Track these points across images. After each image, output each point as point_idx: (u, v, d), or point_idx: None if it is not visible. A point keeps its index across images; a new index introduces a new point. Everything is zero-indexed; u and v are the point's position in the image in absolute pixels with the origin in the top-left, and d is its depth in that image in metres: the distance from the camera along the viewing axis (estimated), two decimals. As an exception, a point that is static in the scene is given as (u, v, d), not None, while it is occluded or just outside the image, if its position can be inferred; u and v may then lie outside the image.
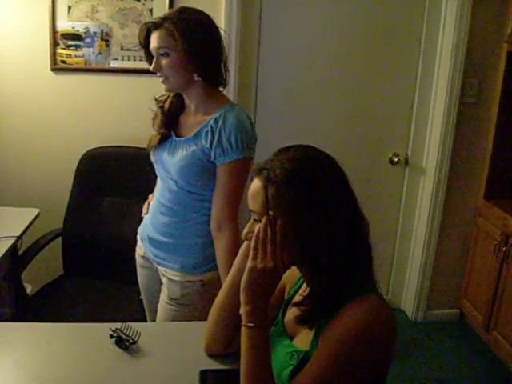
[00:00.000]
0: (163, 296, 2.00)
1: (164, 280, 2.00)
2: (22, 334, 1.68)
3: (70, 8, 2.83)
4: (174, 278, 1.95)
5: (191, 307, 1.93)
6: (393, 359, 1.23)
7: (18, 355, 1.56)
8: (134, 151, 2.80)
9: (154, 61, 1.83)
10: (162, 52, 1.80)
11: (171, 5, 2.80)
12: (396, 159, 3.31)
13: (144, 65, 2.77)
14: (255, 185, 1.23)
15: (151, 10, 2.84)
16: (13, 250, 2.44)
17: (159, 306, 2.02)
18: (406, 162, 3.37)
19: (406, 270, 3.55)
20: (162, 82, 1.86)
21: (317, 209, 1.17)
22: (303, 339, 1.28)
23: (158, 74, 1.85)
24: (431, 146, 3.24)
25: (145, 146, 2.04)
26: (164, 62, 1.80)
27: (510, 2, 2.99)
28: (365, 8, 3.09)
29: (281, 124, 3.15)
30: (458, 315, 3.56)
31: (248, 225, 1.27)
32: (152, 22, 1.81)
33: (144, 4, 2.84)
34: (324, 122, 3.22)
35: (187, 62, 1.79)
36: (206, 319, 1.52)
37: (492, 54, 3.11)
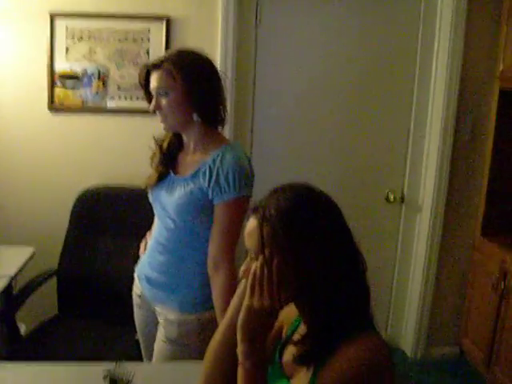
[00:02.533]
0: (160, 335, 1.97)
1: (161, 320, 1.97)
2: (14, 374, 1.67)
3: (67, 49, 2.87)
4: (171, 317, 1.92)
5: (188, 347, 1.90)
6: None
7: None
8: (130, 191, 2.82)
9: (154, 100, 1.85)
10: (161, 92, 1.82)
11: (167, 46, 2.86)
12: (392, 197, 3.32)
13: (140, 104, 2.84)
14: (251, 223, 1.23)
15: (148, 51, 2.89)
16: (7, 289, 2.42)
17: (156, 345, 1.99)
18: (402, 199, 3.38)
19: (404, 308, 3.53)
20: (161, 121, 1.88)
21: (313, 247, 1.17)
22: (301, 380, 1.25)
23: (158, 114, 1.87)
24: (427, 182, 3.25)
25: (142, 185, 2.04)
26: (163, 101, 1.82)
27: (501, 40, 3.04)
28: (359, 46, 3.15)
29: (276, 162, 3.17)
30: (458, 353, 3.52)
31: (245, 263, 1.26)
32: (152, 63, 1.84)
33: (141, 45, 2.88)
34: (320, 160, 3.25)
35: (186, 102, 1.81)
36: (202, 359, 1.50)
37: (485, 91, 3.15)
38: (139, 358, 2.23)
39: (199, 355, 1.57)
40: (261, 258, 1.18)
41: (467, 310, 3.41)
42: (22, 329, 2.90)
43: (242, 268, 1.26)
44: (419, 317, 3.41)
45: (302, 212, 1.19)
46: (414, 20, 3.15)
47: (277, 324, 1.37)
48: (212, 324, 1.79)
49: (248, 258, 1.25)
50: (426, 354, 3.49)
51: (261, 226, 1.19)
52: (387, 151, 3.31)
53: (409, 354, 3.51)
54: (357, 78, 3.19)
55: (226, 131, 2.79)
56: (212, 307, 1.86)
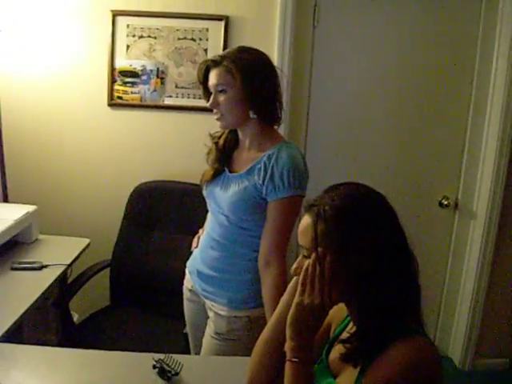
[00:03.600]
0: (209, 330, 1.99)
1: (211, 314, 2.00)
2: (66, 360, 1.72)
3: (128, 47, 2.94)
4: (221, 312, 1.95)
5: (237, 343, 1.92)
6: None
7: (62, 380, 1.59)
8: (184, 186, 2.85)
9: (212, 97, 1.87)
10: (220, 89, 1.84)
11: (225, 45, 2.88)
12: (446, 202, 3.27)
13: (197, 102, 2.90)
14: (305, 221, 1.24)
15: (206, 50, 2.92)
16: (62, 278, 2.49)
17: (204, 339, 2.02)
18: (456, 205, 3.32)
19: (454, 316, 3.46)
20: (218, 118, 1.90)
21: (366, 247, 1.17)
22: (347, 378, 1.25)
23: (215, 111, 1.89)
24: (482, 189, 3.18)
25: (195, 181, 2.08)
26: (221, 98, 1.84)
27: None
28: (417, 51, 3.10)
29: (330, 163, 3.16)
30: (507, 364, 3.43)
31: (297, 260, 1.27)
32: (212, 60, 1.86)
33: (199, 44, 2.93)
34: (374, 161, 3.22)
35: (244, 100, 1.83)
36: (250, 355, 1.52)
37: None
38: (187, 352, 2.26)
39: (247, 352, 1.58)
40: (313, 255, 1.19)
41: (519, 322, 3.33)
42: (75, 318, 2.98)
43: (294, 266, 1.27)
44: (469, 326, 3.34)
45: (357, 211, 1.20)
46: (473, 26, 3.07)
47: (325, 322, 1.37)
48: (261, 321, 1.80)
49: (300, 256, 1.26)
50: (474, 365, 3.41)
51: (315, 223, 1.19)
52: (442, 155, 3.25)
53: (457, 364, 3.44)
54: (413, 80, 3.14)
55: (282, 130, 2.81)
56: (262, 304, 1.87)
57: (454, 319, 3.46)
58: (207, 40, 2.92)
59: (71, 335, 2.61)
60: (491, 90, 3.08)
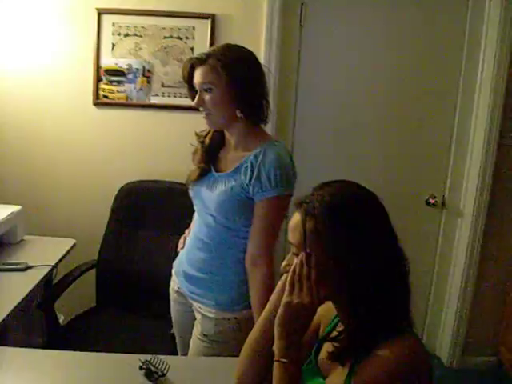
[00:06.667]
0: (196, 332, 1.97)
1: (198, 316, 1.97)
2: (51, 362, 1.70)
3: (113, 45, 2.92)
4: (208, 314, 1.92)
5: (224, 344, 1.89)
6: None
7: (47, 383, 1.57)
8: (171, 186, 2.84)
9: (198, 96, 1.83)
10: (205, 88, 1.80)
11: (212, 44, 2.87)
12: (433, 201, 3.27)
13: (183, 101, 2.88)
14: (295, 218, 1.23)
15: (192, 49, 2.91)
16: (47, 279, 2.46)
17: (192, 341, 1.99)
18: (443, 203, 3.33)
19: (441, 314, 3.47)
20: (205, 117, 1.87)
21: (355, 245, 1.16)
22: (336, 379, 1.25)
23: (201, 110, 1.86)
24: (469, 188, 3.20)
25: (182, 181, 2.05)
26: (207, 97, 1.81)
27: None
28: (404, 50, 3.11)
29: (317, 162, 3.16)
30: (495, 363, 3.45)
31: (287, 257, 1.26)
32: (196, 58, 1.82)
33: (186, 43, 2.91)
34: (361, 160, 3.22)
35: (230, 99, 1.79)
36: (238, 356, 1.50)
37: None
38: (174, 352, 2.24)
39: (235, 353, 1.56)
40: (301, 254, 1.17)
41: (506, 319, 3.34)
42: (61, 319, 2.96)
43: (284, 263, 1.27)
44: (457, 324, 3.35)
45: (347, 209, 1.19)
46: (460, 26, 3.08)
47: (314, 322, 1.36)
48: (249, 323, 1.77)
49: (290, 253, 1.25)
50: (462, 363, 3.42)
51: (304, 220, 1.18)
52: (429, 154, 3.26)
53: (445, 362, 3.45)
54: (400, 79, 3.15)
55: (269, 129, 2.80)
56: (250, 306, 1.85)
57: (441, 317, 3.47)
58: (193, 38, 2.91)
59: (57, 337, 2.58)
60: (477, 90, 3.10)
